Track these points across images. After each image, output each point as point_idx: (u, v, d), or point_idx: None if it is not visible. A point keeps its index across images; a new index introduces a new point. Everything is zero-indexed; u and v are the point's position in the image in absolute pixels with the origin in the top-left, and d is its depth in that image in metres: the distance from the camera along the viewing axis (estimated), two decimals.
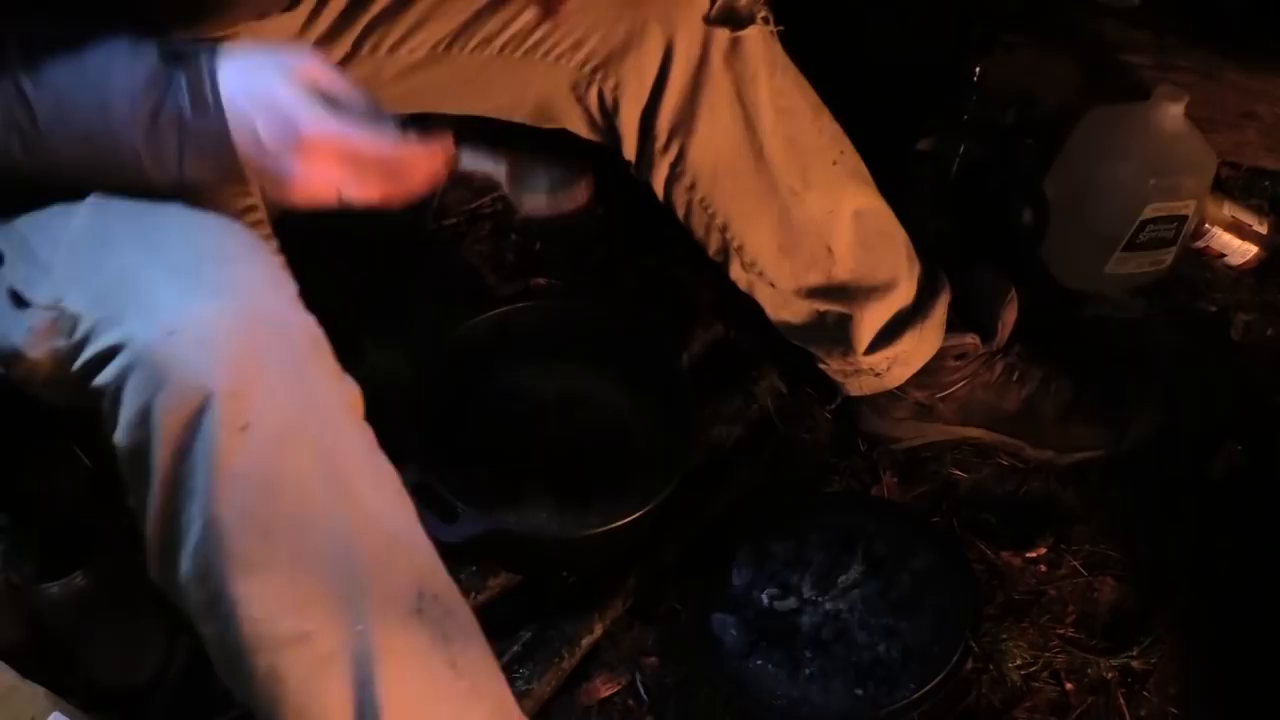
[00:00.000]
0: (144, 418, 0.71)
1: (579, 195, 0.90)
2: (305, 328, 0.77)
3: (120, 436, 0.73)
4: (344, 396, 0.78)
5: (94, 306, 0.75)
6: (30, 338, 0.77)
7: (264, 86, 0.76)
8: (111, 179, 0.78)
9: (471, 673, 0.81)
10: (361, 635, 0.75)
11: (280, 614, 0.74)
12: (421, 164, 0.79)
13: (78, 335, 0.75)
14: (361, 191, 0.78)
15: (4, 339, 0.80)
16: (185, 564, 0.74)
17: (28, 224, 0.81)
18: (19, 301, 0.79)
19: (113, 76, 0.75)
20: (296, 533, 0.74)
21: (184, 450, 0.71)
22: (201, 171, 0.77)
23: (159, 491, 0.73)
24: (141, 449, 0.72)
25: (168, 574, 0.76)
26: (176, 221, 0.79)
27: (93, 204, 0.79)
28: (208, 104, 0.75)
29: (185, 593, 0.76)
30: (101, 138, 0.76)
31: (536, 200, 0.90)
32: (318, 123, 0.75)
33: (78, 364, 0.75)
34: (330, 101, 0.77)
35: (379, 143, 0.77)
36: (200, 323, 0.72)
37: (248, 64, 0.76)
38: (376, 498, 0.78)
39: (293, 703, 0.75)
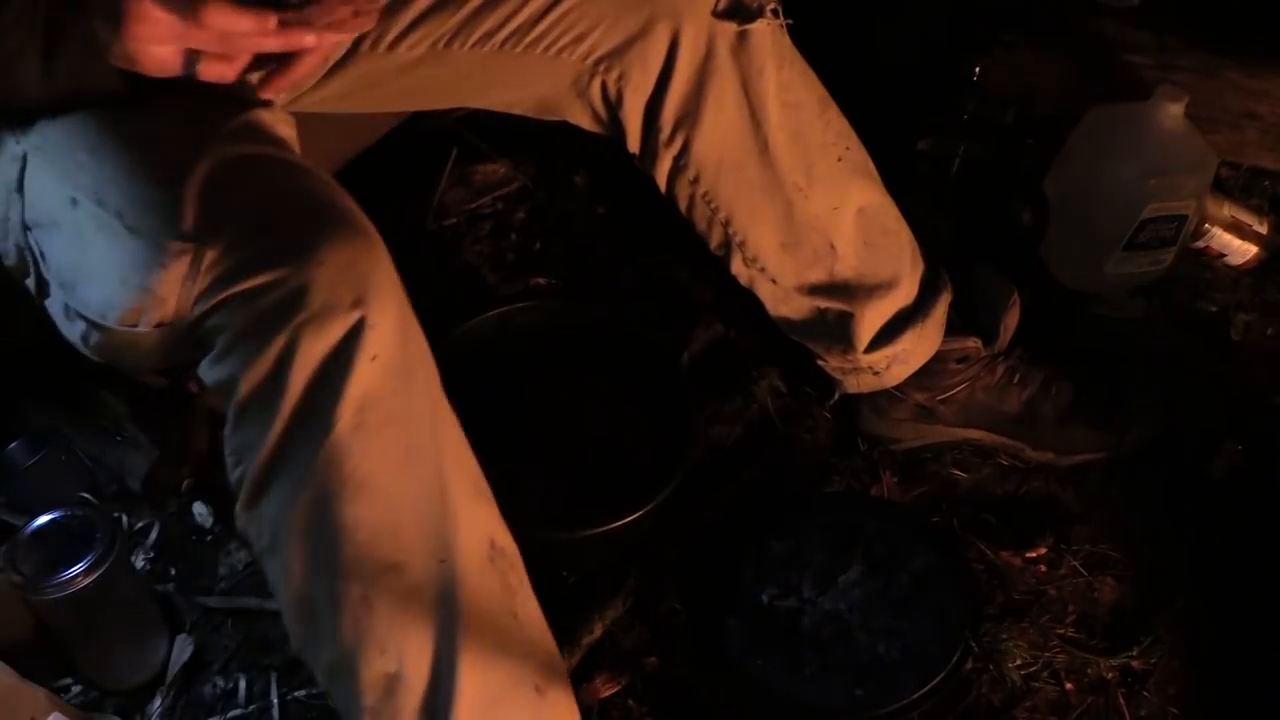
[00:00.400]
0: (281, 346, 0.74)
1: None
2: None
3: (241, 369, 0.75)
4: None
5: (229, 242, 0.76)
6: (163, 273, 0.77)
7: None
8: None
9: (530, 626, 0.85)
10: (445, 571, 0.78)
11: (380, 539, 0.77)
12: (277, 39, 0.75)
13: (215, 271, 0.76)
14: (211, 59, 0.75)
15: (129, 278, 0.79)
16: (285, 491, 0.76)
17: (133, 174, 0.81)
18: (138, 234, 0.79)
19: None
20: (403, 463, 0.77)
21: (320, 377, 0.74)
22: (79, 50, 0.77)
23: (282, 419, 0.75)
24: (270, 378, 0.74)
25: (257, 507, 0.78)
26: (295, 172, 0.82)
27: (213, 162, 0.79)
28: None
29: (274, 525, 0.78)
30: None
31: None
32: None
33: (207, 301, 0.76)
34: None
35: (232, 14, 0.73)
36: (346, 256, 0.75)
37: None
38: (466, 448, 0.83)
39: (377, 636, 0.77)
